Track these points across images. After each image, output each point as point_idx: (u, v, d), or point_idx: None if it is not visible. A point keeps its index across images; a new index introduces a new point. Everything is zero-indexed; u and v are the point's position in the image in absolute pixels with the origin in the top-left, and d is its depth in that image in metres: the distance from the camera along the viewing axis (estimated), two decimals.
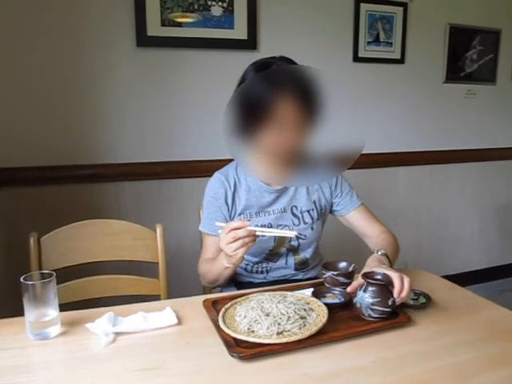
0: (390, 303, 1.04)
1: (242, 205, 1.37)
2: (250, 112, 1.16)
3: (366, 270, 1.14)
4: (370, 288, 1.05)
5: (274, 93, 1.14)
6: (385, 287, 1.06)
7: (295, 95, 1.15)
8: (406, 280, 1.06)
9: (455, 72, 2.90)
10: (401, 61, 2.72)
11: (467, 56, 2.92)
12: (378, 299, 1.03)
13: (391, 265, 1.24)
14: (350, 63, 2.60)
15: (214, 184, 1.39)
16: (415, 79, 2.79)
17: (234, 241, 1.11)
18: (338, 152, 1.28)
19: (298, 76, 1.17)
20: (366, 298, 1.04)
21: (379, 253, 1.24)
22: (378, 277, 1.08)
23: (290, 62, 1.23)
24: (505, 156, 3.20)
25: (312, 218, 1.40)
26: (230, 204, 1.37)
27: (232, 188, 1.37)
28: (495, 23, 2.96)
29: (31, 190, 2.05)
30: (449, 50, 2.84)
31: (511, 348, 0.97)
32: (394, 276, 1.06)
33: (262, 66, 1.20)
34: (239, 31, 2.27)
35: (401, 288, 1.05)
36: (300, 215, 1.39)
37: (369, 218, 1.44)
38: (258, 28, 2.31)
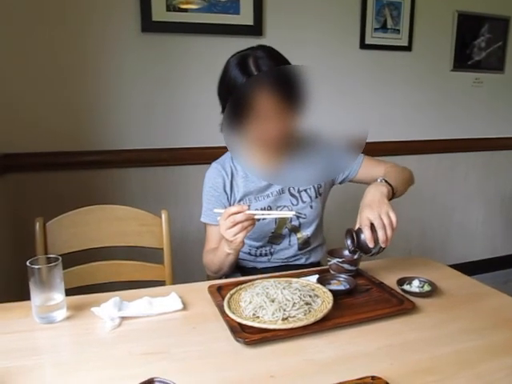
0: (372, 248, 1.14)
1: (240, 192, 1.39)
2: (234, 107, 1.19)
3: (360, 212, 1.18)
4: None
5: (253, 88, 1.17)
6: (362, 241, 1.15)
7: (274, 88, 1.17)
8: (389, 230, 1.11)
9: (463, 60, 2.87)
10: (408, 48, 2.69)
11: (475, 44, 2.88)
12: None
13: (392, 188, 1.24)
14: (356, 50, 2.57)
15: (212, 174, 1.42)
16: (422, 67, 2.76)
17: (233, 225, 1.14)
18: (329, 136, 1.38)
19: (276, 73, 1.19)
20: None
21: (378, 180, 1.24)
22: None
23: (269, 50, 1.24)
24: (511, 145, 3.18)
25: (310, 197, 1.42)
26: (228, 192, 1.40)
27: (229, 176, 1.40)
28: (504, 11, 2.92)
29: (37, 175, 2.06)
30: (457, 37, 2.81)
31: None
32: (364, 229, 1.12)
33: (240, 59, 1.22)
34: (245, 17, 2.25)
35: (370, 238, 1.11)
36: (298, 195, 1.41)
37: (374, 163, 1.46)
38: (263, 14, 2.29)
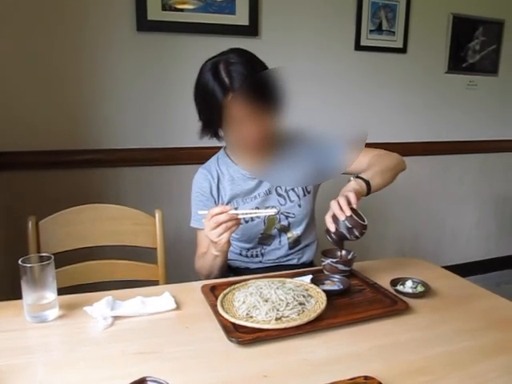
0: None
1: (228, 195, 1.40)
2: (210, 114, 1.25)
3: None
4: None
5: (225, 97, 1.19)
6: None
7: (245, 96, 1.18)
8: (342, 201, 1.11)
9: (457, 62, 2.88)
10: (403, 50, 2.70)
11: (470, 47, 2.90)
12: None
13: (365, 181, 1.21)
14: (351, 51, 2.57)
15: (198, 179, 1.43)
16: (417, 69, 2.77)
17: (217, 226, 1.15)
18: (312, 136, 1.39)
19: (246, 82, 1.19)
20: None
21: (351, 178, 1.23)
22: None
23: (242, 53, 1.25)
24: (505, 148, 3.19)
25: (298, 196, 1.42)
26: (215, 196, 1.41)
27: (215, 180, 1.41)
28: (499, 14, 2.94)
29: (30, 174, 2.05)
30: (451, 40, 2.82)
31: (506, 337, 0.97)
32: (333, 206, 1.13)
33: (211, 65, 1.25)
34: (241, 17, 2.25)
35: (328, 220, 1.13)
36: (285, 194, 1.41)
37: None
38: (259, 14, 2.29)
